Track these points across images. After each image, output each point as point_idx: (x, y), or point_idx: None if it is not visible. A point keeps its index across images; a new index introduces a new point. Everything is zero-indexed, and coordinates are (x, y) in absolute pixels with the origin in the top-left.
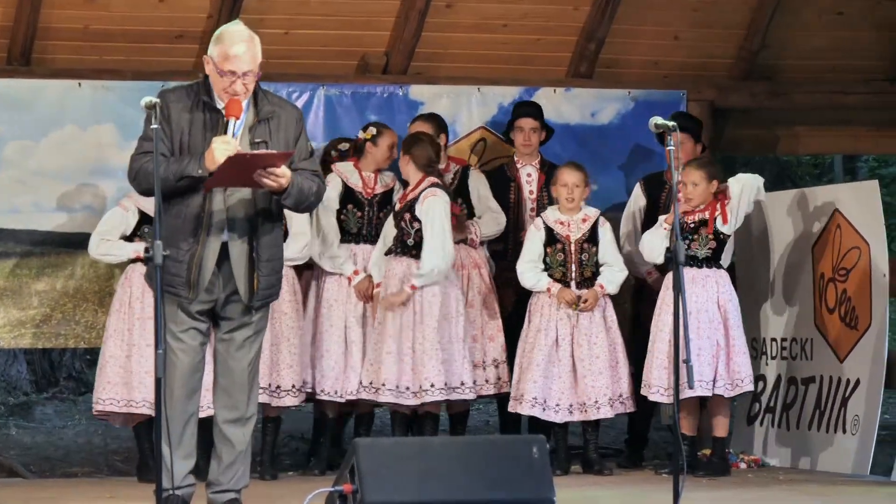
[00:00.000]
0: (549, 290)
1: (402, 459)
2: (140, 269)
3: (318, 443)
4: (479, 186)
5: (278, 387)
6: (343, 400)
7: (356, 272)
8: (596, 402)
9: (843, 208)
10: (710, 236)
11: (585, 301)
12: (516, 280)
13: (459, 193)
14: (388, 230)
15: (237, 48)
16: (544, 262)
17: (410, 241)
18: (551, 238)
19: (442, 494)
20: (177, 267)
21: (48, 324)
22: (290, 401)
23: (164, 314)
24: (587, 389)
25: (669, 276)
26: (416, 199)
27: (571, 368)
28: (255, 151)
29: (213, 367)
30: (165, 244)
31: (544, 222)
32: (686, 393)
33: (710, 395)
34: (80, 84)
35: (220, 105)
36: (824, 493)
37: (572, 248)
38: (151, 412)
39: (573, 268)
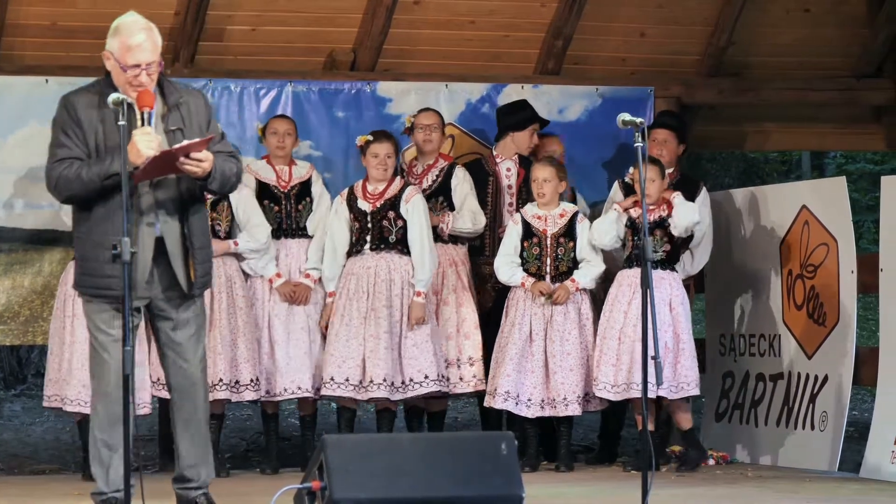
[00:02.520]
0: (523, 284)
1: (370, 456)
2: None
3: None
4: (462, 185)
5: (237, 381)
6: (275, 400)
7: (278, 275)
8: (565, 398)
9: (810, 205)
10: (665, 238)
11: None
12: (495, 275)
13: (441, 191)
14: (340, 230)
15: (138, 39)
16: (521, 255)
17: (392, 238)
18: (528, 232)
19: (410, 491)
20: (112, 268)
21: (16, 321)
22: (249, 395)
23: (93, 313)
24: (557, 386)
25: (620, 275)
26: (397, 198)
27: (544, 364)
28: (180, 144)
29: (163, 371)
30: (94, 247)
31: (522, 217)
32: (631, 393)
33: (653, 396)
34: (46, 81)
35: (127, 99)
36: (793, 490)
37: (548, 242)
38: (83, 410)
39: (548, 262)
